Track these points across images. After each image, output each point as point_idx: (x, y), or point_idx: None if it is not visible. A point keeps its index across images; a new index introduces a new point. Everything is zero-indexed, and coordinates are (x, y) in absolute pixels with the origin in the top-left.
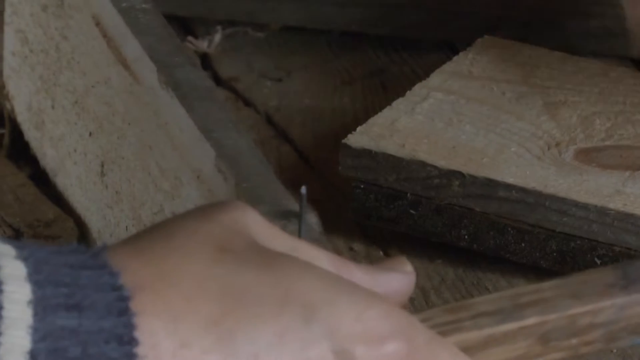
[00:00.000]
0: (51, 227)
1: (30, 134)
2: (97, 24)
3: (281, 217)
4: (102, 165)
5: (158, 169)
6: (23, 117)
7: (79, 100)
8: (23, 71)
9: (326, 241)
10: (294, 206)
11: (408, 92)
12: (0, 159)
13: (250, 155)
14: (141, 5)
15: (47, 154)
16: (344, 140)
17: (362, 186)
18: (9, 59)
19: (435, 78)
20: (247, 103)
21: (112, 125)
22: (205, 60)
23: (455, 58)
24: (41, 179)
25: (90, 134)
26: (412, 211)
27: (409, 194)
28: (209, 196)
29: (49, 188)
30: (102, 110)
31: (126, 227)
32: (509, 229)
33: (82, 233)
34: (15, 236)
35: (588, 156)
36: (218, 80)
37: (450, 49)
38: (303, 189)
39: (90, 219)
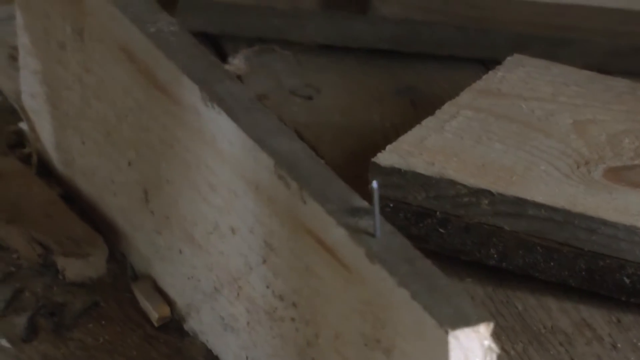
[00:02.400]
0: (80, 245)
1: (62, 172)
2: (125, 52)
3: (351, 214)
4: (146, 192)
5: (208, 185)
6: (53, 157)
7: (112, 131)
8: (45, 111)
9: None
10: (361, 202)
11: (437, 110)
12: (30, 176)
13: (307, 158)
14: (169, 28)
15: (82, 190)
16: (373, 159)
17: (391, 204)
18: (29, 101)
19: (464, 96)
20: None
21: (152, 150)
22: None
23: (484, 76)
24: (71, 197)
25: (129, 163)
26: (441, 229)
27: (438, 212)
28: (268, 204)
29: (79, 205)
30: (138, 137)
31: (179, 249)
32: (538, 247)
33: (112, 252)
34: (45, 253)
35: (617, 175)
36: None
37: (480, 67)
38: (374, 184)
39: (137, 246)
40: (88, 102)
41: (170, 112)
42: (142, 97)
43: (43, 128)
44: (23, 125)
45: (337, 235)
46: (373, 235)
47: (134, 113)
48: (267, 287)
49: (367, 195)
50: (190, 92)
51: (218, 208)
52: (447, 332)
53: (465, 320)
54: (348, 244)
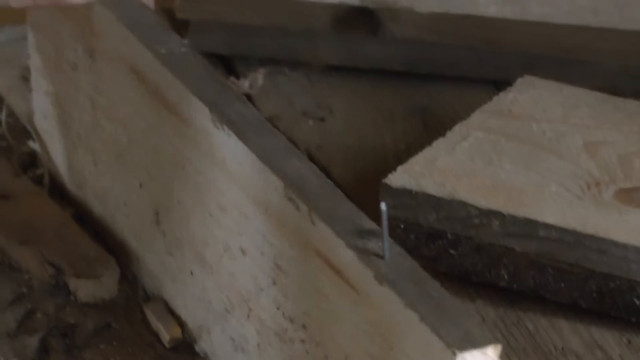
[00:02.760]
0: (92, 266)
1: (74, 193)
2: (136, 73)
3: (359, 236)
4: (157, 214)
5: (218, 207)
6: (65, 179)
7: (123, 152)
8: (58, 132)
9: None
10: (370, 224)
11: (448, 131)
12: (43, 197)
13: (317, 180)
14: (179, 49)
15: (94, 211)
16: (384, 180)
17: (402, 225)
18: (41, 122)
19: (475, 117)
20: (289, 141)
21: (163, 172)
22: (247, 99)
23: (495, 97)
24: (83, 217)
25: (140, 185)
26: (452, 250)
27: (449, 233)
28: (278, 226)
29: (91, 226)
30: (149, 158)
31: (190, 270)
32: (549, 268)
33: (124, 272)
34: (57, 274)
35: (628, 196)
36: None
37: (491, 87)
38: (383, 206)
39: (149, 267)
40: (99, 123)
41: (181, 133)
42: (153, 118)
43: (55, 149)
44: (35, 146)
45: (346, 257)
46: (382, 257)
47: (145, 134)
48: (278, 308)
49: (378, 216)
50: (201, 114)
51: (229, 229)
52: (454, 354)
53: (473, 342)
54: (357, 265)
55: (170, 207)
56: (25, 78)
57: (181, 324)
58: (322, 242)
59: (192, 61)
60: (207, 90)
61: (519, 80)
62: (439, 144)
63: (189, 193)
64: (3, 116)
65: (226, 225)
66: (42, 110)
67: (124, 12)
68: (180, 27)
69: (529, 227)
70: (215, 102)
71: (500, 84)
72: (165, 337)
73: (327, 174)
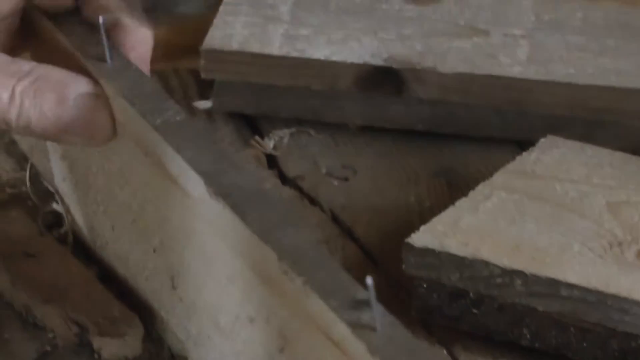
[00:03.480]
0: (117, 325)
1: (98, 253)
2: (138, 145)
3: (354, 308)
4: (172, 279)
5: (226, 276)
6: (88, 239)
7: (137, 218)
8: (77, 196)
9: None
10: (364, 295)
11: (471, 191)
12: (67, 256)
13: (312, 251)
14: (175, 118)
15: (117, 272)
16: (407, 239)
17: (425, 285)
18: (61, 185)
19: (498, 177)
20: (313, 202)
21: (173, 239)
22: (271, 159)
23: (518, 157)
24: (107, 276)
25: (154, 250)
26: (474, 310)
27: (471, 293)
28: (280, 296)
29: (115, 285)
30: (160, 226)
31: (208, 335)
32: (571, 327)
33: (148, 331)
34: (81, 333)
35: None
36: (284, 179)
37: (515, 147)
38: (369, 279)
39: (172, 329)
40: (112, 190)
41: (185, 204)
42: (159, 188)
43: (76, 211)
44: (59, 207)
45: (340, 330)
46: (374, 329)
47: (153, 203)
48: None
49: (403, 275)
50: (198, 185)
51: (236, 298)
52: None
53: None
54: (350, 339)
55: (183, 274)
56: None
57: None
58: (318, 315)
59: (189, 130)
60: (202, 161)
61: (542, 141)
62: (462, 203)
63: (198, 262)
64: (27, 176)
65: (234, 294)
66: (60, 174)
67: (122, 81)
68: (206, 86)
69: (552, 286)
70: (210, 172)
71: (523, 144)
72: None
73: (351, 234)
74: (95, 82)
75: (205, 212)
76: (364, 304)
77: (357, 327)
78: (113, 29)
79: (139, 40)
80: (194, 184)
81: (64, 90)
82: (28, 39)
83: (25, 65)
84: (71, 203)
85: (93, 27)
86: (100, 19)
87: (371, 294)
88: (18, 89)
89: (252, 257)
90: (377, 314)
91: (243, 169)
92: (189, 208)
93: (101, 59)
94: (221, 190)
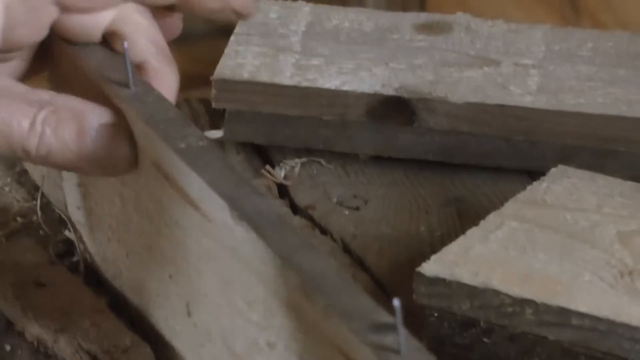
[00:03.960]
0: (128, 354)
1: (110, 282)
2: (158, 168)
3: (376, 331)
4: (187, 306)
5: (244, 302)
6: (101, 268)
7: (152, 245)
8: (91, 223)
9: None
10: (387, 319)
11: (482, 221)
12: (79, 285)
13: (334, 276)
14: (198, 143)
15: (130, 301)
16: (417, 269)
17: (436, 314)
18: (75, 213)
19: (509, 207)
20: (324, 231)
21: (190, 265)
22: (282, 189)
23: (529, 187)
24: (118, 305)
25: (169, 276)
26: (485, 339)
27: (482, 322)
28: (301, 321)
29: (127, 313)
30: (176, 252)
31: None
32: (582, 356)
33: None
34: None
35: None
36: (295, 209)
37: (526, 177)
38: (396, 301)
39: (185, 357)
40: (129, 216)
41: (204, 229)
42: (177, 213)
43: (89, 239)
44: (71, 236)
45: (363, 353)
46: (398, 352)
47: (171, 228)
48: None
49: (414, 304)
50: (221, 210)
51: (255, 324)
52: None
53: None
54: None
55: (199, 300)
56: None
57: None
58: (341, 339)
59: (210, 155)
60: (225, 185)
61: (553, 170)
62: (473, 233)
63: (215, 287)
64: (38, 205)
65: (253, 320)
66: (74, 201)
67: (144, 106)
68: (218, 116)
69: (562, 315)
70: (233, 196)
71: (534, 174)
72: None
73: (362, 263)
74: (116, 110)
75: (226, 237)
76: (387, 327)
77: (381, 350)
78: (139, 69)
79: (165, 84)
80: (217, 208)
81: (84, 120)
82: (45, 63)
83: (44, 94)
84: (84, 231)
85: (114, 52)
86: (125, 44)
87: (398, 316)
88: (39, 118)
89: (275, 281)
90: (402, 337)
91: (264, 195)
92: (208, 233)
93: (123, 84)
94: (244, 214)
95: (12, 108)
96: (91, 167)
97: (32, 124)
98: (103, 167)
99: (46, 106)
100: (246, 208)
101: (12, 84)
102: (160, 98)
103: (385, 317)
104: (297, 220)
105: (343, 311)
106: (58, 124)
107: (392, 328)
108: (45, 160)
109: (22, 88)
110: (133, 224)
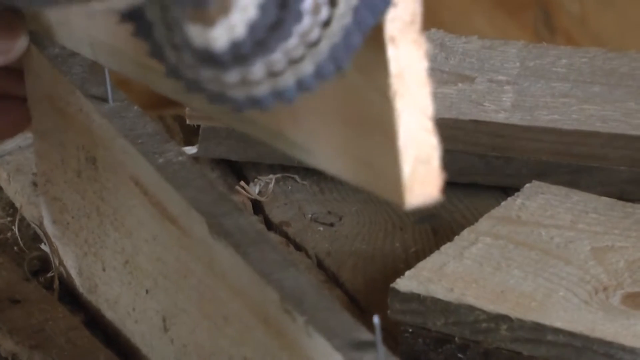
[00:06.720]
0: None
1: (85, 298)
2: (137, 184)
3: (356, 348)
4: (164, 320)
5: (221, 317)
6: (76, 283)
7: (130, 259)
8: (67, 237)
9: None
10: (367, 336)
11: (456, 237)
12: (53, 302)
13: (313, 292)
14: (177, 158)
15: (105, 316)
16: (392, 285)
17: (410, 330)
18: (51, 227)
19: (483, 223)
20: (298, 247)
21: (168, 280)
22: (256, 205)
23: (503, 203)
24: (93, 322)
25: (146, 291)
26: (460, 355)
27: (457, 338)
28: (278, 337)
29: (102, 330)
30: (154, 266)
31: None
32: None
33: None
34: None
35: (635, 301)
36: (269, 225)
37: (500, 193)
38: (376, 319)
39: None
40: (106, 231)
41: (183, 244)
42: (156, 228)
43: (65, 254)
44: (46, 249)
45: None
46: None
47: (149, 244)
48: None
49: (389, 321)
50: (199, 225)
51: (232, 339)
52: None
53: None
54: None
55: (176, 315)
56: (36, 184)
57: None
58: (319, 355)
59: (189, 171)
60: (204, 201)
61: (527, 186)
62: (448, 249)
63: (193, 302)
64: (17, 220)
65: (230, 335)
66: (50, 216)
67: (123, 121)
68: (193, 133)
69: (537, 331)
70: (212, 213)
71: (509, 190)
72: None
73: (336, 279)
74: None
75: (204, 253)
76: (367, 344)
77: None
78: None
79: None
80: (195, 224)
81: None
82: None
83: None
84: (60, 245)
85: (92, 67)
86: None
87: (377, 333)
88: None
89: (252, 297)
90: (381, 355)
91: (243, 211)
92: (186, 248)
93: (102, 99)
94: (223, 230)
95: None
96: None
97: None
98: None
99: None
100: (225, 224)
101: None
102: (140, 113)
103: (366, 335)
104: (272, 237)
105: (323, 327)
106: None
107: (371, 345)
108: None
109: None
110: (110, 239)
